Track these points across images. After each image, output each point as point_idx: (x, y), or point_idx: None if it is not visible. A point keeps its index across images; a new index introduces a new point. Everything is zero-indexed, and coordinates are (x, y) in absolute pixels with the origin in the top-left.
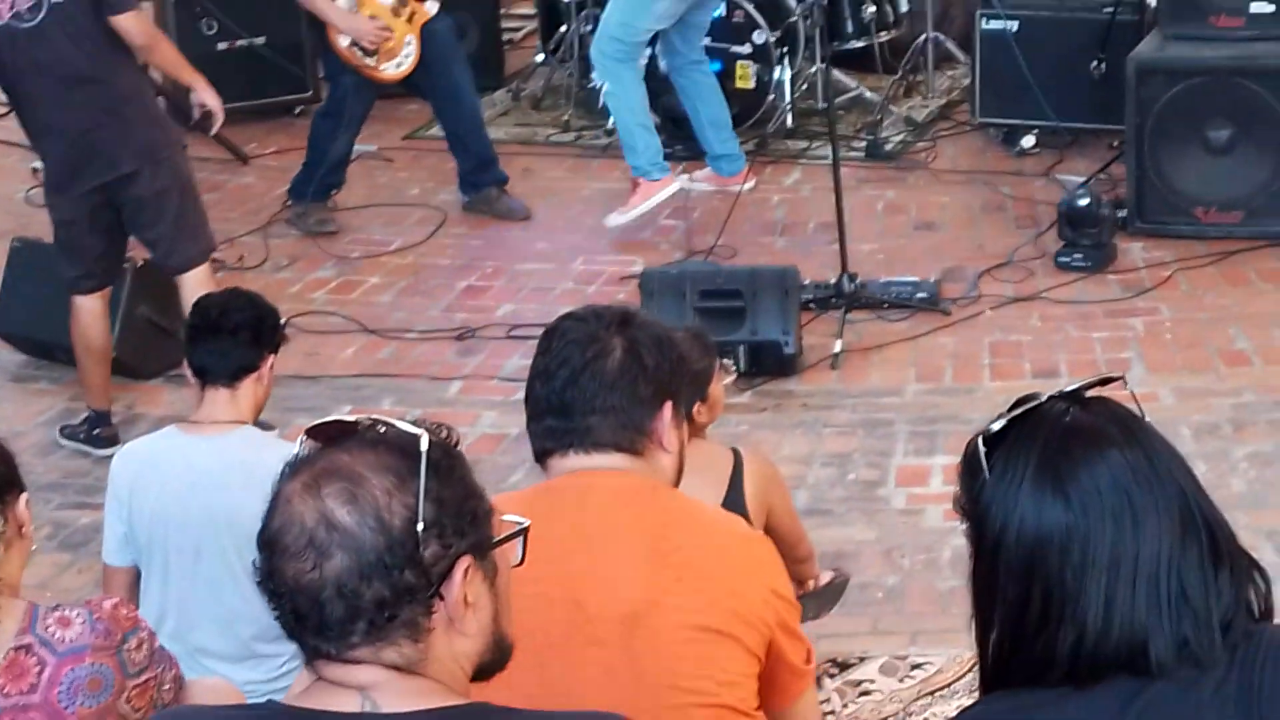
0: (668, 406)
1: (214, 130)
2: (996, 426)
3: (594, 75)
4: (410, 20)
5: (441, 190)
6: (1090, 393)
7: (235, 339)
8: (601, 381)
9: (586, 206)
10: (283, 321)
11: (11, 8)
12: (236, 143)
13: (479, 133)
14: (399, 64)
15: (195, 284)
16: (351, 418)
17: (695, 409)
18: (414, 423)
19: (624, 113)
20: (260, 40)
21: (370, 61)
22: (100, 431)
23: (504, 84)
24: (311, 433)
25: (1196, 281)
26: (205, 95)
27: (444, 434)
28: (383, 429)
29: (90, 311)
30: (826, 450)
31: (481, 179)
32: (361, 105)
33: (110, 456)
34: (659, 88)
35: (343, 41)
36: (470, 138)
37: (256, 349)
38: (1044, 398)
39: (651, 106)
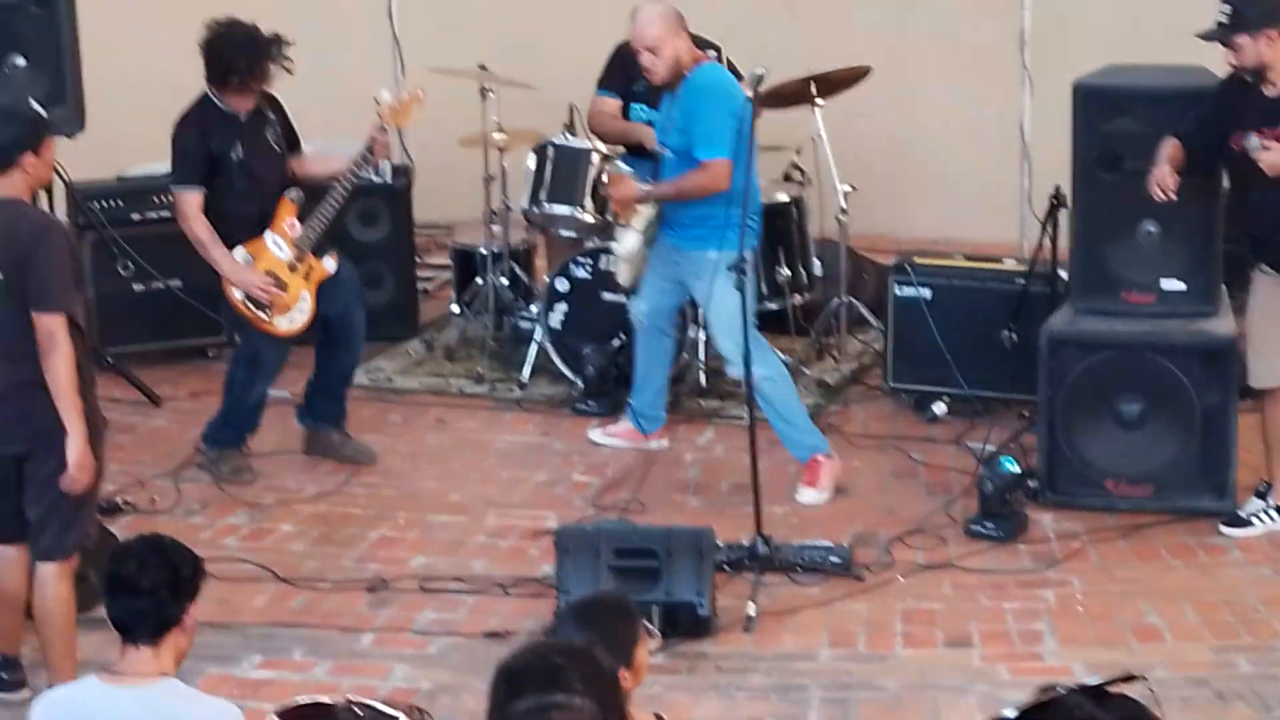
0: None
1: None
2: (1011, 715)
3: (730, 370)
4: (307, 277)
5: (354, 438)
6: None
7: (154, 598)
8: None
9: (499, 459)
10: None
11: None
12: (149, 384)
13: (345, 383)
14: (291, 319)
15: (47, 576)
16: (328, 699)
17: (620, 674)
18: (387, 703)
19: (790, 400)
20: (176, 283)
21: (263, 315)
22: (8, 676)
23: (418, 333)
24: (284, 716)
25: (1107, 554)
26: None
27: (420, 717)
28: (360, 712)
29: (3, 558)
30: (740, 714)
31: (325, 415)
32: (277, 354)
33: (19, 701)
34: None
35: (236, 294)
36: (336, 385)
37: (177, 603)
38: (1065, 691)
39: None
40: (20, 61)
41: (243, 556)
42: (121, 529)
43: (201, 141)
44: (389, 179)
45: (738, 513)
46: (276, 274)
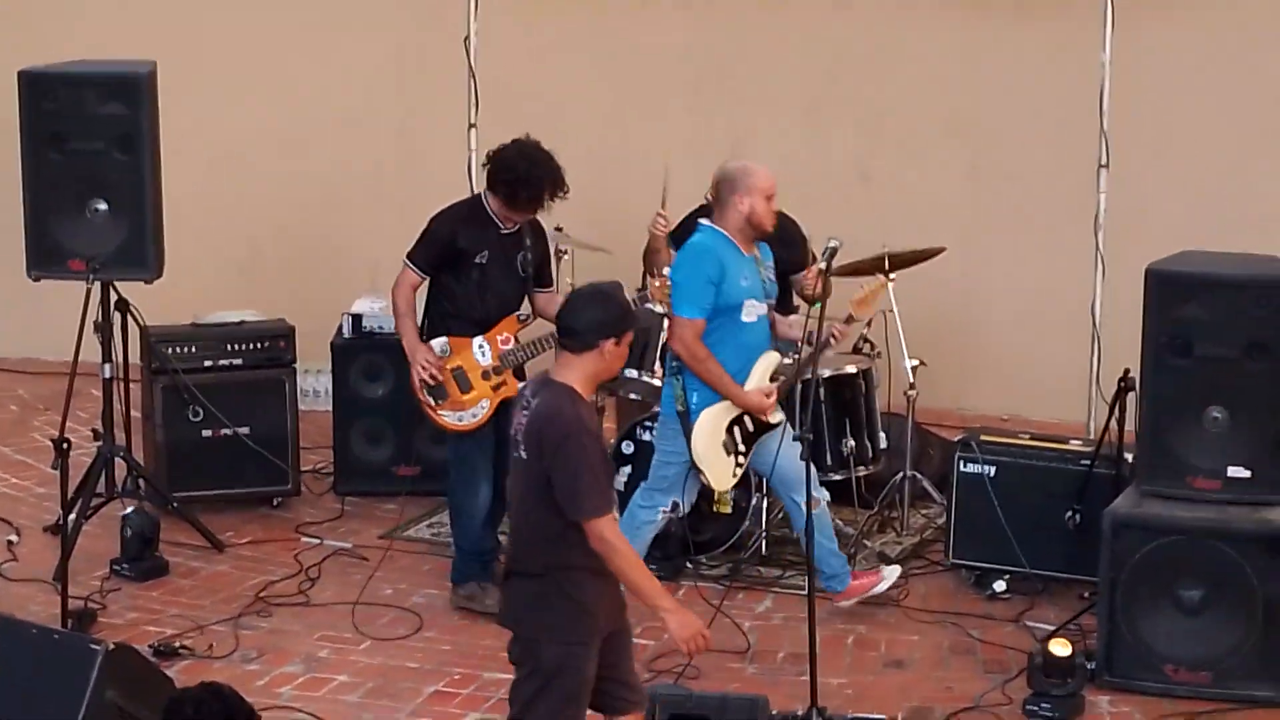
0: None
1: None
2: None
3: (800, 497)
4: (496, 389)
5: (415, 593)
6: None
7: None
8: None
9: None
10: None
11: None
12: (213, 530)
13: (491, 524)
14: (460, 418)
15: None
16: None
17: None
18: None
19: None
20: (244, 430)
21: (432, 401)
22: None
23: None
24: None
25: None
26: None
27: None
28: None
29: None
30: None
31: (470, 570)
32: (477, 452)
33: None
34: None
35: (415, 378)
36: (485, 525)
37: None
38: None
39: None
40: (102, 206)
41: (297, 706)
42: (178, 673)
43: (451, 235)
44: None
45: (793, 682)
46: (466, 373)
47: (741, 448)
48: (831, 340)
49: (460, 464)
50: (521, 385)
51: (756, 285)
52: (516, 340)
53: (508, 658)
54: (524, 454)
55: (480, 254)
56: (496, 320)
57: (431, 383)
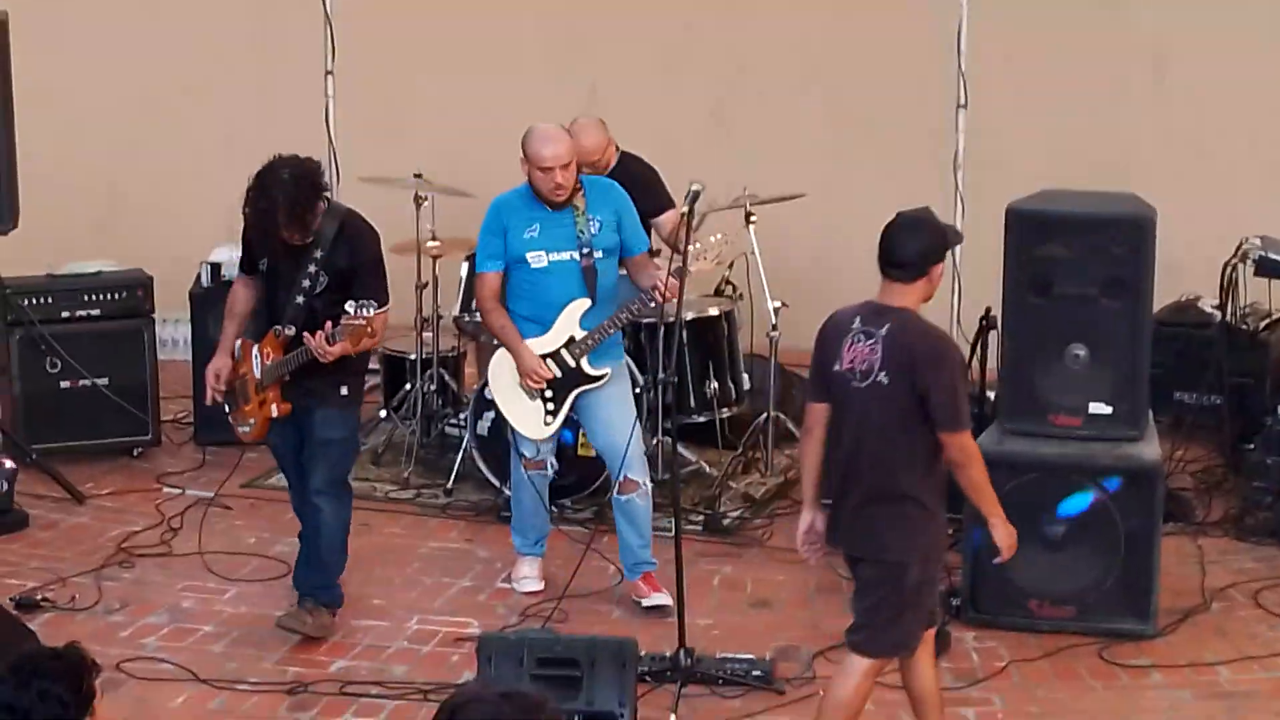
0: None
1: None
2: None
3: (638, 476)
4: (261, 405)
5: (278, 540)
6: None
7: None
8: None
9: (423, 564)
10: (98, 677)
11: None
12: (73, 481)
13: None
14: (242, 429)
15: (853, 669)
16: None
17: None
18: None
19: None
20: (103, 381)
21: (226, 407)
22: None
23: None
24: None
25: (1029, 674)
26: None
27: None
28: None
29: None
30: None
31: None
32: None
33: None
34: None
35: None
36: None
37: None
38: None
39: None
40: None
41: (162, 656)
42: (40, 626)
43: (247, 236)
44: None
45: (661, 624)
46: (248, 383)
47: (549, 393)
48: (656, 296)
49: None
50: (847, 315)
51: (561, 237)
52: (281, 354)
53: (852, 579)
54: (885, 379)
55: (262, 261)
56: (265, 331)
57: (219, 396)
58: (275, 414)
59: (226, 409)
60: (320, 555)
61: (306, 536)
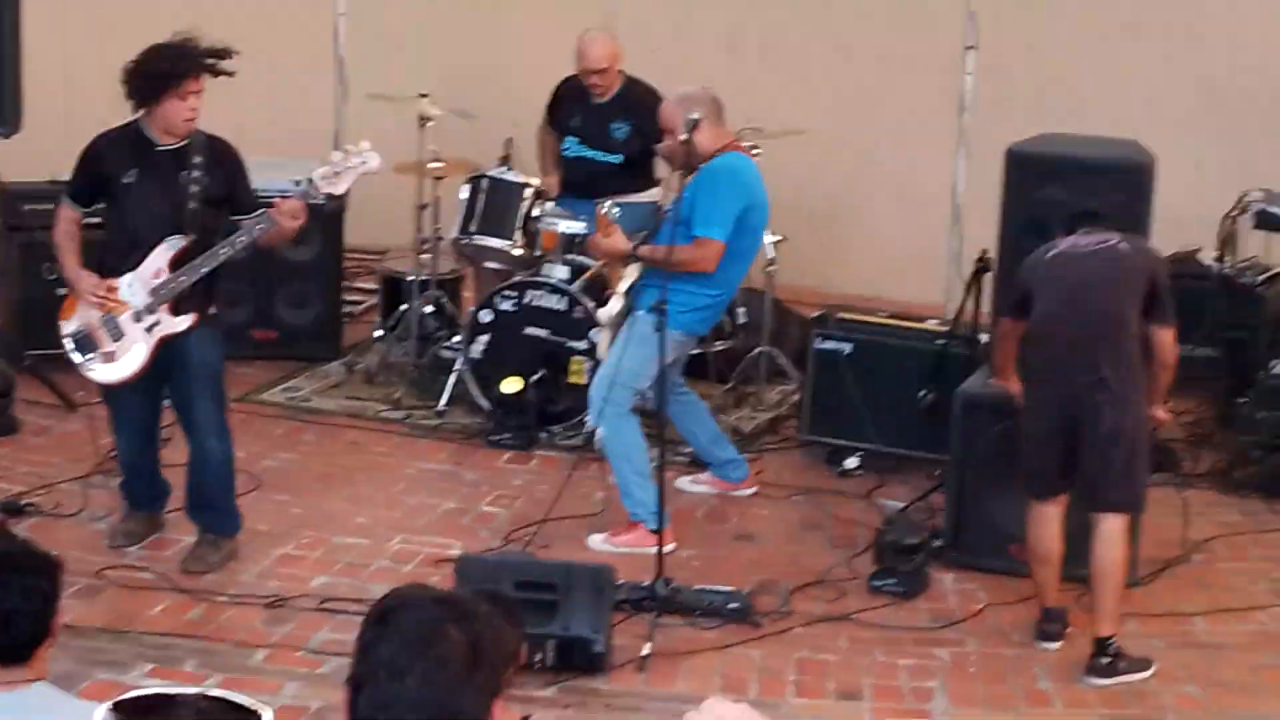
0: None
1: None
2: None
3: (589, 419)
4: (149, 330)
5: (267, 456)
6: None
7: (14, 627)
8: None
9: (409, 485)
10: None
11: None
12: (66, 389)
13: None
14: (112, 371)
15: (1112, 531)
16: (173, 690)
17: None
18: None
19: (624, 462)
20: None
21: (78, 357)
22: (1049, 627)
23: (339, 356)
24: (121, 707)
25: (1006, 618)
26: None
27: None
28: (208, 705)
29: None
30: None
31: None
32: (121, 406)
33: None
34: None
35: (65, 328)
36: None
37: (41, 622)
38: None
39: (486, 393)
40: None
41: (142, 565)
42: (24, 530)
43: (97, 156)
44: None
45: (641, 553)
46: (116, 319)
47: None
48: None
49: (116, 417)
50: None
51: None
52: (172, 269)
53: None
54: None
55: (128, 174)
56: (148, 249)
57: (109, 305)
58: (182, 329)
59: (79, 358)
60: (215, 494)
61: (194, 473)
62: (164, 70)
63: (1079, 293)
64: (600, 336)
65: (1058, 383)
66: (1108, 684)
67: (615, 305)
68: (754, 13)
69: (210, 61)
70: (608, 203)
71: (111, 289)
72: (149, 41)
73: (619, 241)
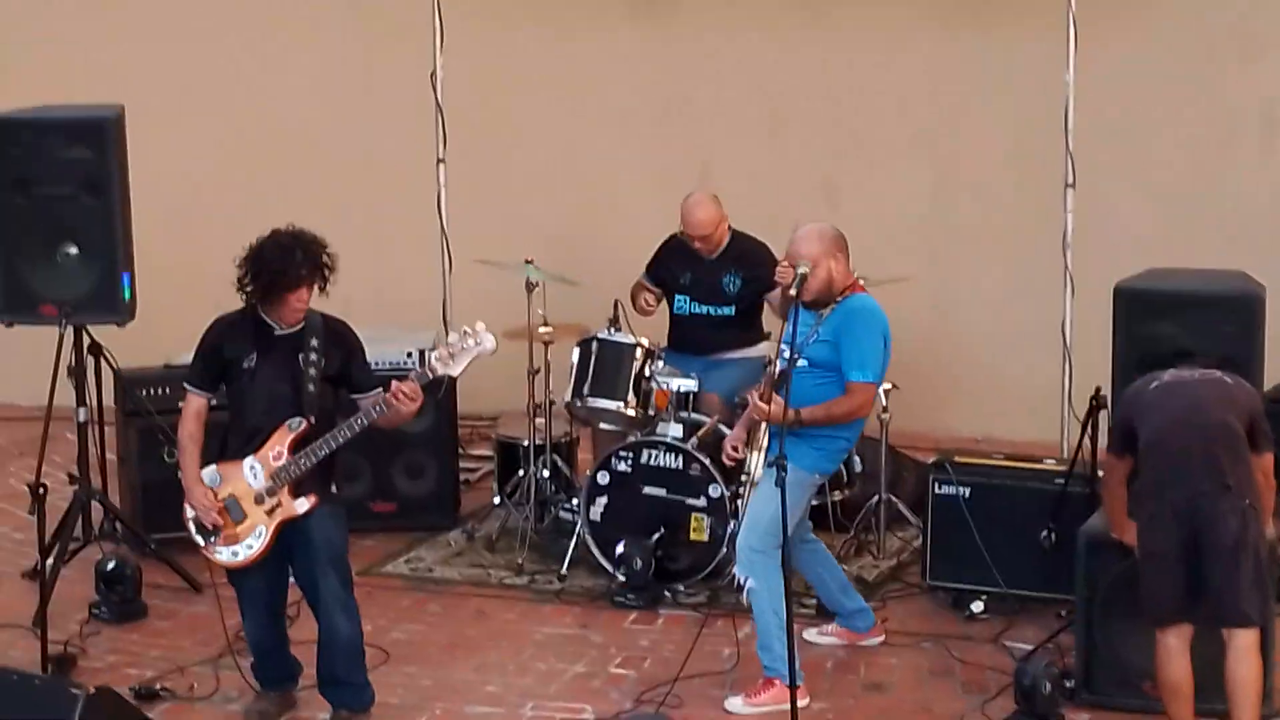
0: None
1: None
2: None
3: (736, 570)
4: (270, 512)
5: (393, 629)
6: None
7: None
8: None
9: (537, 650)
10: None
11: None
12: (191, 571)
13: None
14: (235, 553)
15: (1242, 645)
16: None
17: None
18: None
19: (770, 616)
20: None
21: (200, 540)
22: None
23: (459, 524)
24: None
25: None
26: None
27: None
28: None
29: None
30: None
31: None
32: (246, 585)
33: None
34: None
35: (188, 511)
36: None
37: None
38: None
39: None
40: (73, 250)
41: None
42: (159, 716)
43: (217, 343)
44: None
45: (778, 710)
46: (239, 501)
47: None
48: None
49: (242, 598)
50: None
51: None
52: (292, 452)
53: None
54: None
55: (248, 358)
56: (269, 432)
57: (210, 528)
58: (302, 511)
59: (201, 541)
60: (345, 670)
61: (323, 651)
62: (270, 284)
63: (1195, 408)
64: (747, 490)
65: (1177, 494)
66: None
67: (757, 462)
68: (850, 158)
69: (315, 276)
70: (774, 363)
71: (222, 510)
72: (253, 225)
73: (779, 411)
